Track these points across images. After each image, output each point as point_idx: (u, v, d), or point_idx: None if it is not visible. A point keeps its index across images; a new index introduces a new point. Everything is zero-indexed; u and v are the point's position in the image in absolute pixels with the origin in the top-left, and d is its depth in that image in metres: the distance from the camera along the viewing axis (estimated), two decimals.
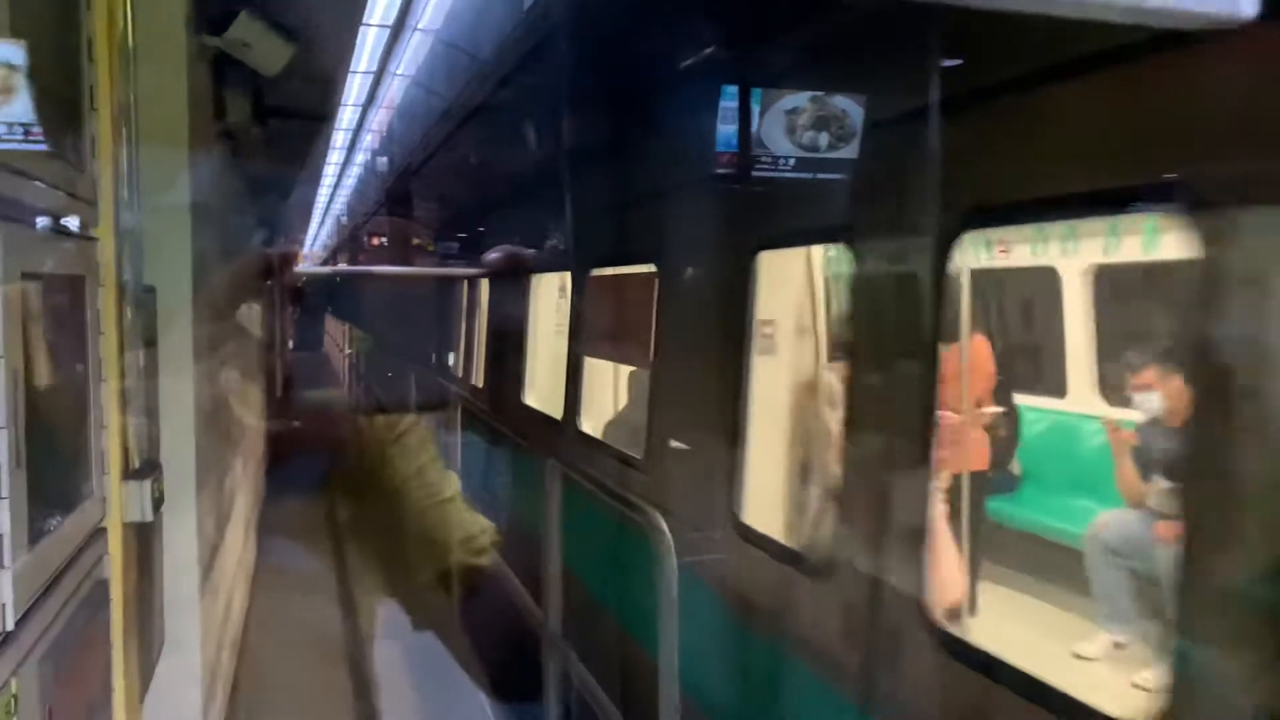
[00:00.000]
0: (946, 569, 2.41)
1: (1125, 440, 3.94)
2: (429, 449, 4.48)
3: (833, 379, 3.13)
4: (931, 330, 2.36)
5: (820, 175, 2.81)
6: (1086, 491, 4.54)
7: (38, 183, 1.77)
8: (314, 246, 18.12)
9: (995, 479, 4.66)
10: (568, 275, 5.82)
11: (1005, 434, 4.61)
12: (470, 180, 9.27)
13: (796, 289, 3.35)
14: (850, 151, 2.68)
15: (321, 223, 17.38)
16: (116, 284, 2.20)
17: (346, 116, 9.96)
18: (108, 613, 2.10)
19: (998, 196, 2.14)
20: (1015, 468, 4.92)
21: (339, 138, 10.67)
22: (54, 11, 2.03)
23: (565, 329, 5.58)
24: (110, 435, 2.16)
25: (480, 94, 6.72)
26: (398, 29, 7.52)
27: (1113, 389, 4.81)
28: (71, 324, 1.98)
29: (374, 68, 8.60)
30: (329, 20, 5.14)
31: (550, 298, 6.73)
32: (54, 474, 1.82)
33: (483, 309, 8.85)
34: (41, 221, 1.78)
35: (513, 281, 7.25)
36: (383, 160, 10.87)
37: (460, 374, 9.42)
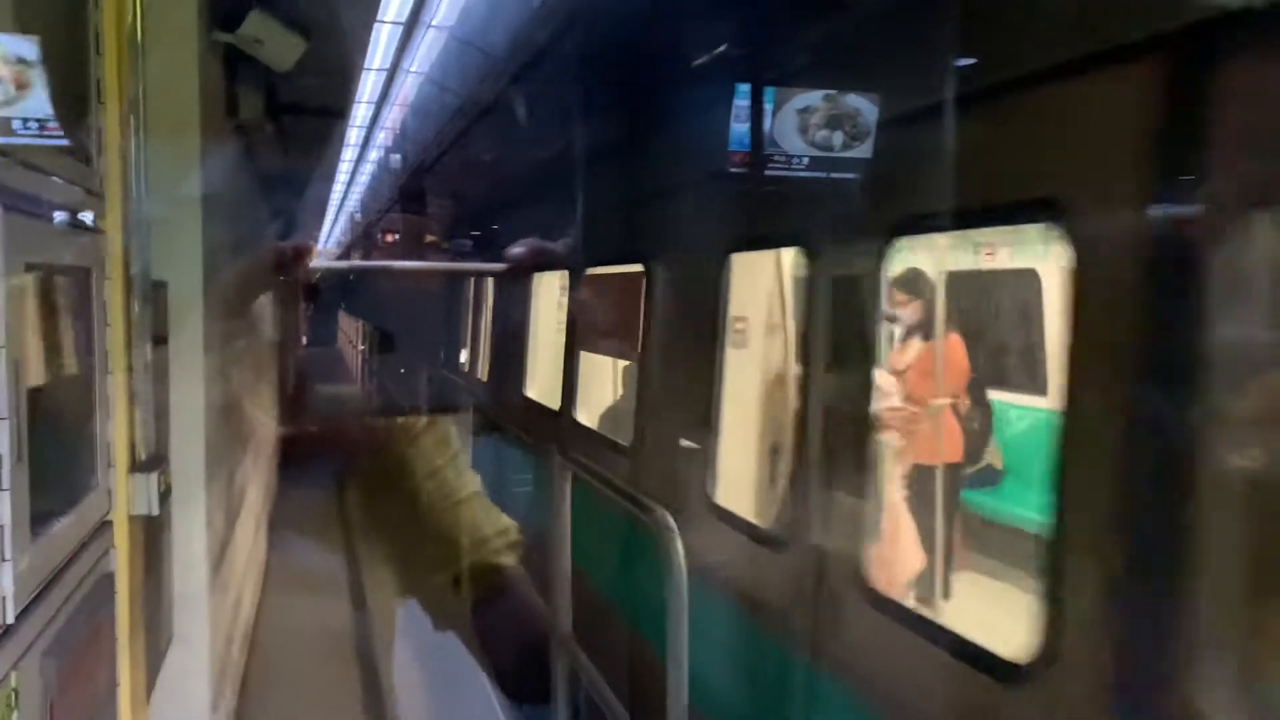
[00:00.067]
0: (904, 546, 2.96)
1: None
2: (450, 445, 4.58)
3: (795, 371, 3.41)
4: (870, 327, 2.72)
5: (781, 185, 3.10)
6: None
7: (43, 174, 1.76)
8: (328, 243, 18.21)
9: (977, 473, 4.79)
10: (567, 274, 6.20)
11: (979, 428, 4.72)
12: (479, 179, 9.41)
13: (767, 288, 3.66)
14: (804, 165, 2.99)
15: (335, 220, 17.45)
16: (124, 277, 2.19)
17: (361, 114, 9.96)
18: (113, 606, 2.10)
19: (919, 209, 2.49)
20: (998, 462, 5.03)
21: (353, 135, 10.69)
22: (61, 4, 2.03)
23: (563, 326, 5.99)
24: (116, 428, 2.15)
25: (491, 92, 6.83)
26: (411, 25, 7.52)
27: None
28: (78, 317, 1.98)
29: (388, 65, 8.60)
30: (342, 16, 5.13)
31: (551, 296, 7.03)
32: (58, 466, 1.82)
33: (488, 307, 9.28)
34: (46, 213, 1.77)
35: (516, 279, 7.66)
36: (396, 157, 10.90)
37: (467, 369, 9.87)
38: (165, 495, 2.38)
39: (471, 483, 4.88)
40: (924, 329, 4.30)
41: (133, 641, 2.19)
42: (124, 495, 2.17)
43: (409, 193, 11.62)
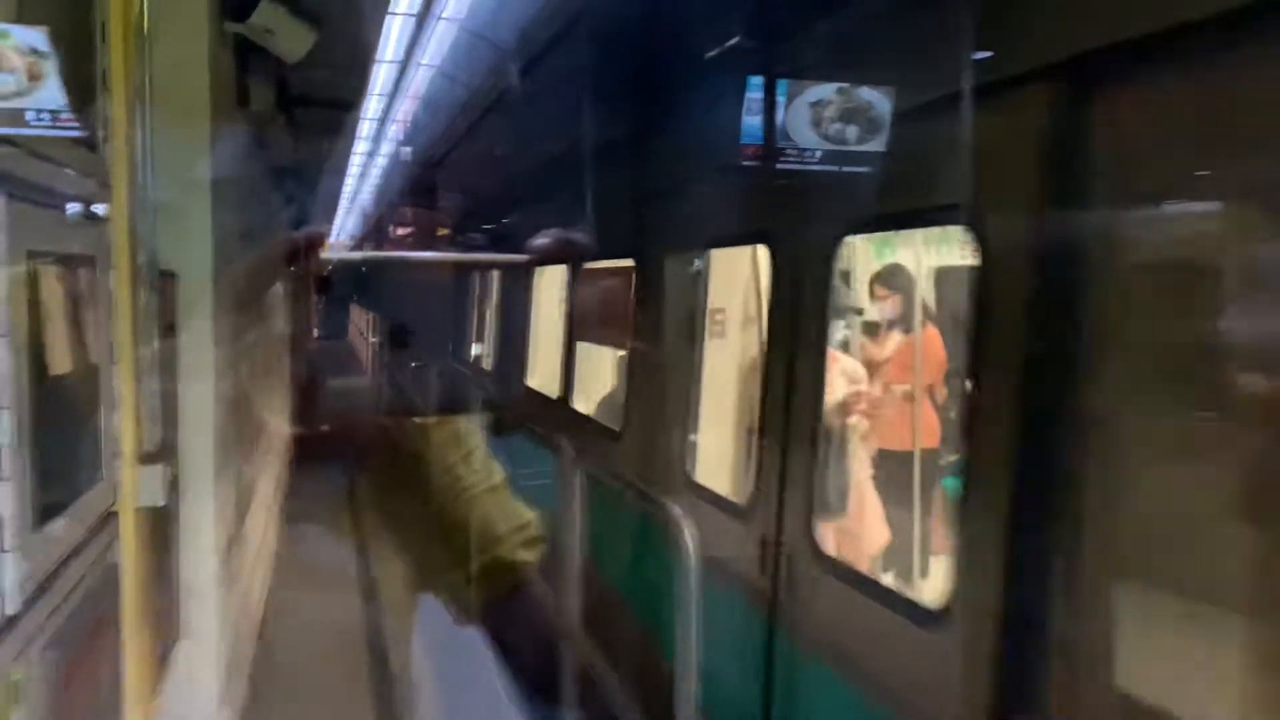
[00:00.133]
0: (869, 523, 3.29)
1: None
2: (473, 436, 4.69)
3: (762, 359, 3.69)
4: (820, 317, 3.02)
5: (750, 188, 3.44)
6: None
7: (47, 162, 1.74)
8: (340, 236, 18.23)
9: (958, 460, 4.84)
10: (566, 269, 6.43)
11: (956, 417, 4.79)
12: (487, 173, 9.52)
13: (743, 282, 3.86)
14: (771, 171, 3.24)
15: (348, 213, 17.47)
16: (130, 266, 2.17)
17: (373, 106, 9.93)
18: (119, 598, 2.08)
19: (861, 213, 2.86)
20: None
21: (365, 128, 10.66)
22: None
23: (562, 319, 6.31)
24: (123, 420, 2.13)
25: (500, 86, 6.91)
26: (423, 18, 7.48)
27: None
28: (84, 306, 1.96)
29: (400, 57, 8.57)
30: (353, 8, 5.12)
31: (551, 290, 7.27)
32: (63, 457, 1.80)
33: (493, 301, 9.61)
34: (50, 201, 1.75)
35: (518, 274, 8.02)
36: (407, 150, 10.88)
37: (472, 361, 10.20)
38: (172, 487, 2.37)
39: (496, 472, 4.99)
40: (904, 322, 4.40)
41: (139, 633, 2.17)
42: (130, 487, 2.15)
43: (420, 186, 11.64)
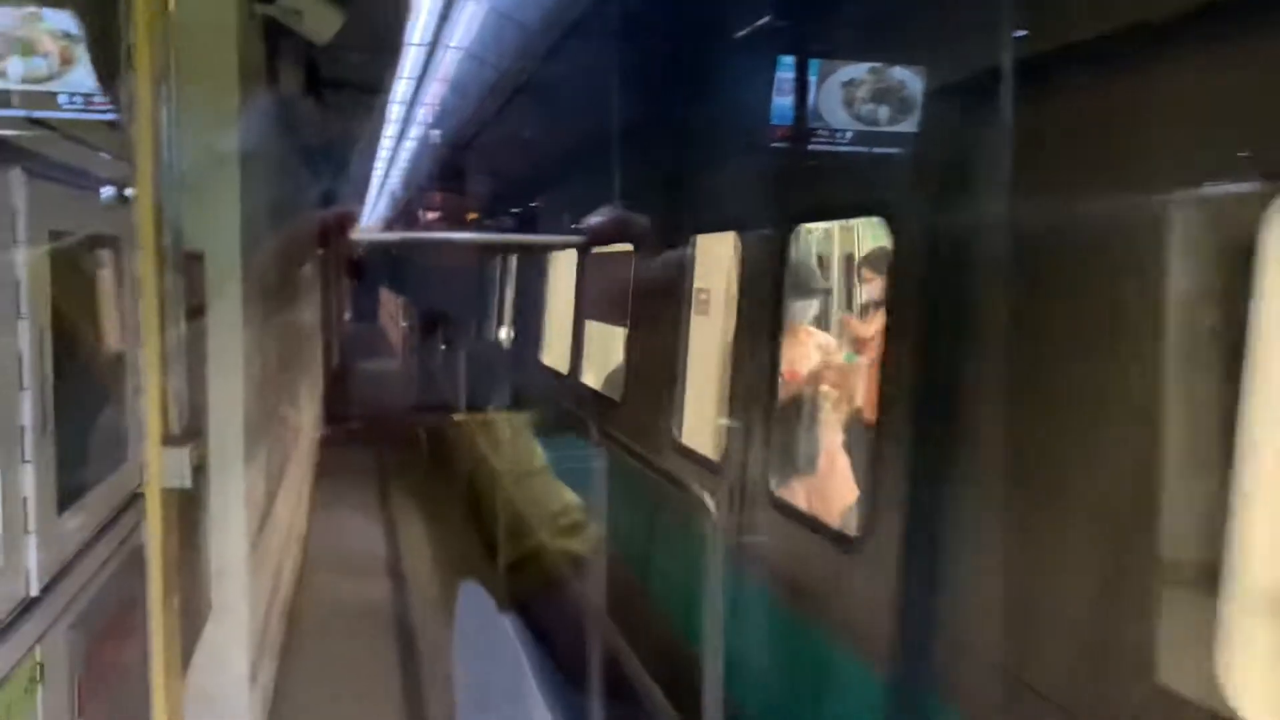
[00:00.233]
0: (836, 481, 3.65)
1: None
2: (511, 423, 5.12)
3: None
4: (775, 294, 3.56)
5: (724, 181, 4.07)
6: None
7: (70, 140, 1.73)
8: (370, 221, 18.33)
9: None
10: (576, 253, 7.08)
11: None
12: (513, 158, 9.71)
13: (725, 264, 4.20)
14: (740, 166, 3.88)
15: (378, 198, 17.56)
16: (155, 246, 2.16)
17: (402, 90, 9.92)
18: (145, 579, 2.09)
19: (809, 206, 3.49)
20: None
21: (395, 111, 10.65)
22: None
23: (572, 300, 7.01)
24: (150, 401, 2.13)
25: (526, 69, 7.10)
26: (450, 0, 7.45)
27: None
28: (108, 287, 1.96)
29: (428, 40, 8.55)
30: None
31: (565, 273, 7.84)
32: (88, 439, 1.80)
33: (512, 284, 10.38)
34: (73, 179, 1.74)
35: (536, 259, 8.82)
36: (436, 134, 10.87)
37: (494, 340, 11.00)
38: (199, 468, 2.37)
39: (540, 454, 5.43)
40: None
41: (166, 614, 2.17)
42: (156, 468, 2.15)
43: (448, 170, 11.68)
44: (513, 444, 6.72)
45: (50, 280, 1.55)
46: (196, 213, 2.66)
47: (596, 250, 6.50)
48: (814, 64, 3.03)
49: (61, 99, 2.43)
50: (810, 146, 3.05)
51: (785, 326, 3.67)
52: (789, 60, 3.18)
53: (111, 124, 2.33)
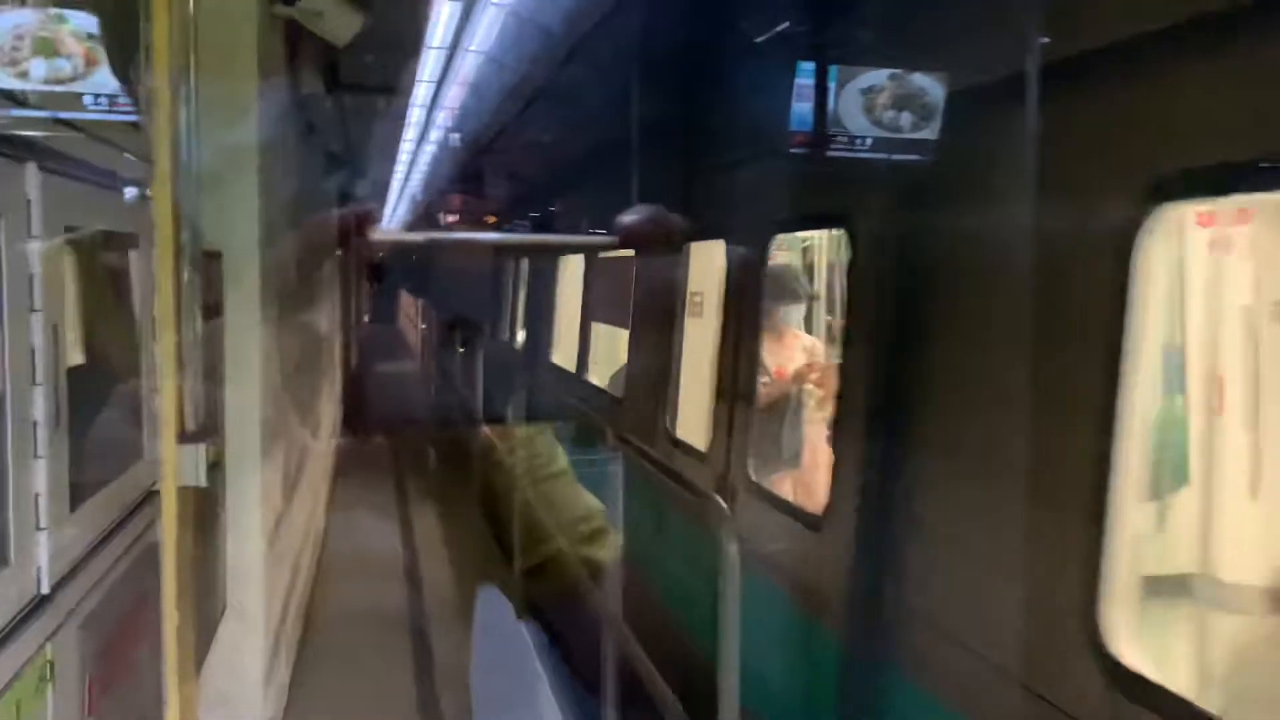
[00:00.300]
0: (814, 472, 3.96)
1: None
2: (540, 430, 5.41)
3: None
4: (755, 301, 3.95)
5: (715, 193, 4.58)
6: None
7: (87, 136, 1.73)
8: (390, 223, 18.44)
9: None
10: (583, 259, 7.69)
11: None
12: (532, 161, 9.90)
13: (716, 271, 4.48)
14: (725, 179, 4.37)
15: (398, 201, 17.65)
16: (173, 244, 2.15)
17: (422, 93, 9.96)
18: (159, 578, 2.08)
19: (786, 215, 3.82)
20: None
21: (415, 114, 10.70)
22: None
23: (580, 302, 7.58)
24: (165, 398, 2.13)
25: (543, 76, 7.24)
26: (470, 2, 7.46)
27: None
28: (125, 284, 1.95)
29: (448, 43, 8.58)
30: None
31: (573, 277, 8.41)
32: (103, 435, 1.79)
33: (525, 287, 11.01)
34: (91, 176, 1.73)
35: (544, 264, 9.41)
36: (455, 137, 10.91)
37: (508, 341, 11.62)
38: (215, 466, 2.36)
39: (562, 456, 5.67)
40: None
41: (181, 613, 2.17)
42: (172, 466, 2.14)
43: (468, 173, 11.76)
44: (528, 443, 6.81)
45: (67, 276, 1.54)
46: (215, 212, 2.66)
47: (601, 255, 7.01)
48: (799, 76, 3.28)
49: (87, 99, 2.44)
50: (783, 162, 3.36)
51: (764, 329, 4.07)
52: (777, 74, 3.39)
53: (135, 125, 2.34)
